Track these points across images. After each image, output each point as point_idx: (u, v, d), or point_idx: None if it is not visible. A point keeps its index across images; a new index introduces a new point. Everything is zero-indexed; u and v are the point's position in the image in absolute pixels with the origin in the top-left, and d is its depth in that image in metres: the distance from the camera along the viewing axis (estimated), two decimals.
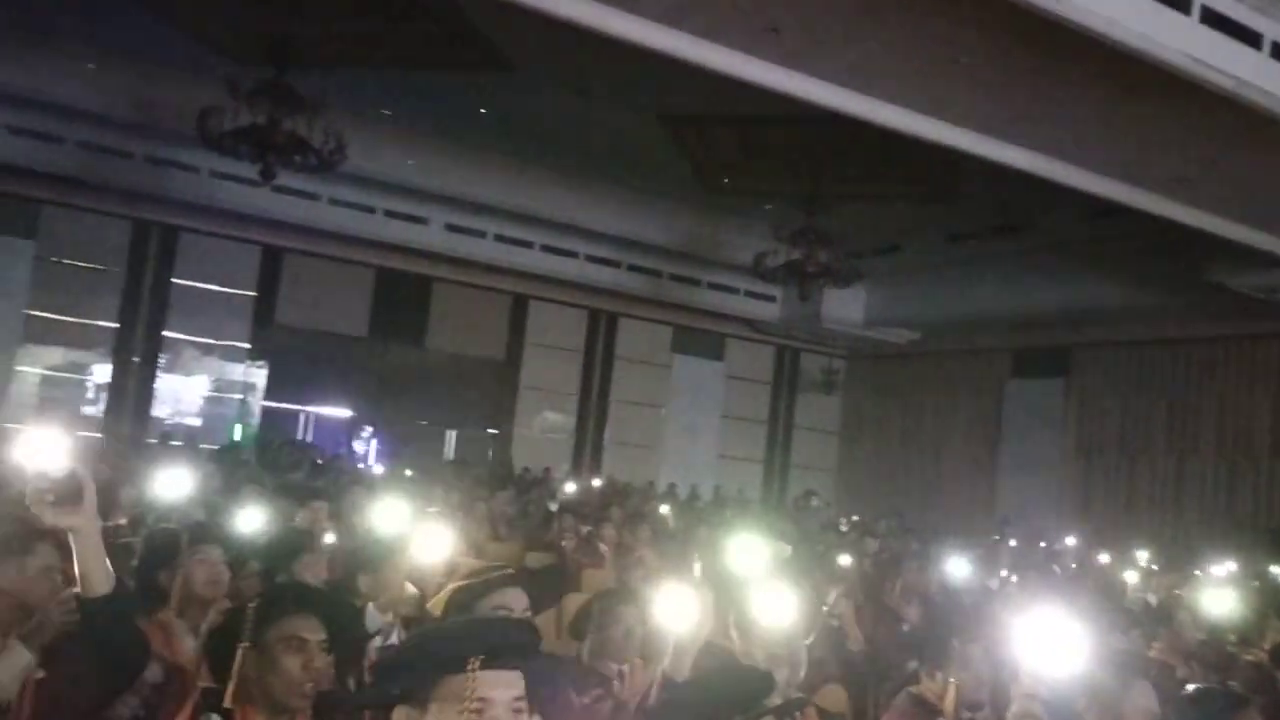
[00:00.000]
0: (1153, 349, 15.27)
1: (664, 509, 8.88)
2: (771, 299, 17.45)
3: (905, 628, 4.90)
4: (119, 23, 10.50)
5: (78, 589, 2.05)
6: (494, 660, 1.58)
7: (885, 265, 15.68)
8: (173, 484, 5.18)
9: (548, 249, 15.87)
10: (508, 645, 1.62)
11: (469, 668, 1.56)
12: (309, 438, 16.52)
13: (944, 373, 18.09)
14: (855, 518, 13.89)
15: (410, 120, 12.77)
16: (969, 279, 15.26)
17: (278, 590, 2.63)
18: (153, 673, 2.04)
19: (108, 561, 2.05)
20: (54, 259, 14.01)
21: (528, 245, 15.71)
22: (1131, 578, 6.88)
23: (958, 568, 4.68)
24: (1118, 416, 15.69)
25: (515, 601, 2.84)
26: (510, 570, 3.19)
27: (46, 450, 1.97)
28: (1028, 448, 16.54)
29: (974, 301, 15.44)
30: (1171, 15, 6.89)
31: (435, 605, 2.94)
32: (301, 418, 16.82)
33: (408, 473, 11.93)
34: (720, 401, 19.14)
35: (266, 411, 15.83)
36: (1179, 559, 10.66)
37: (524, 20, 8.06)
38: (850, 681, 4.28)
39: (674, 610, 2.83)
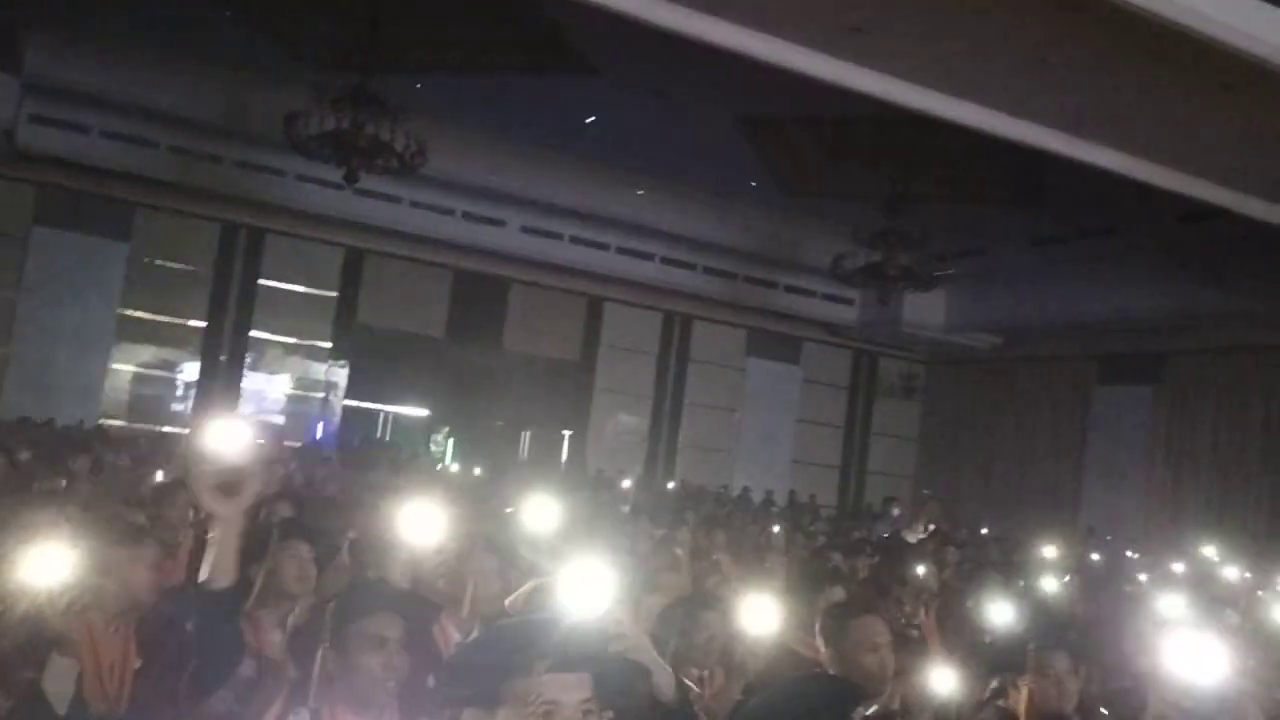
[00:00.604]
0: (1248, 356, 14.73)
1: (776, 529, 8.77)
2: (850, 302, 17.24)
3: (988, 639, 4.78)
4: (211, 31, 10.81)
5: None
6: (561, 663, 1.57)
7: (968, 268, 15.38)
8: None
9: (623, 251, 15.90)
10: (574, 648, 1.61)
11: (535, 671, 1.55)
12: (387, 437, 16.80)
13: (1028, 379, 17.68)
14: (933, 526, 13.63)
15: (488, 123, 12.90)
16: (1055, 283, 14.90)
17: (357, 589, 2.66)
18: (247, 667, 2.08)
19: (235, 557, 2.14)
20: (146, 260, 14.46)
21: (603, 247, 15.75)
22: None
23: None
24: (1210, 426, 15.18)
25: None
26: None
27: (230, 441, 2.04)
28: (1115, 457, 16.09)
29: (1060, 306, 15.06)
30: (1271, 11, 6.63)
31: (514, 603, 2.95)
32: (380, 417, 17.09)
33: (476, 470, 12.09)
34: (795, 406, 18.96)
35: (347, 410, 16.12)
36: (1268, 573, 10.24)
37: (603, 23, 8.08)
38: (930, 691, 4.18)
39: (756, 617, 2.80)
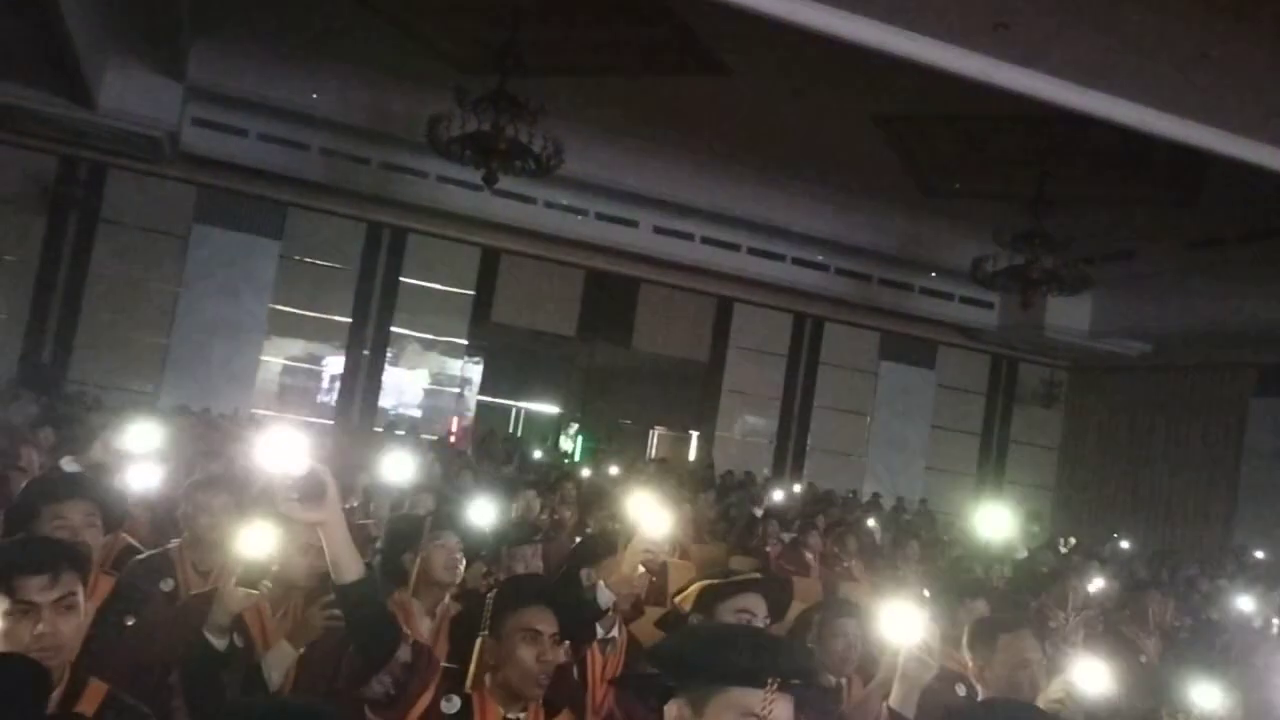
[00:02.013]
0: None
1: (870, 522, 8.64)
2: (989, 305, 16.74)
3: (1142, 659, 4.58)
4: (361, 38, 11.21)
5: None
6: (788, 684, 1.60)
7: (1116, 272, 14.71)
8: (400, 470, 5.52)
9: (754, 251, 15.80)
10: (802, 672, 1.65)
11: (769, 686, 1.57)
12: (519, 432, 17.14)
13: (1179, 389, 16.83)
14: (1073, 540, 13.13)
15: (621, 124, 13.00)
16: (1211, 288, 14.13)
17: (514, 582, 2.72)
18: (403, 652, 2.15)
19: (355, 549, 2.15)
20: (296, 257, 15.10)
21: (734, 248, 15.69)
22: None
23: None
24: None
25: (757, 606, 2.84)
26: (756, 575, 3.18)
27: (285, 450, 2.04)
28: (1273, 473, 15.17)
29: (1216, 313, 14.27)
30: None
31: (684, 600, 2.98)
32: (513, 412, 17.45)
33: (613, 470, 12.17)
34: (930, 411, 18.52)
35: (481, 405, 16.51)
36: None
37: (741, 23, 8.06)
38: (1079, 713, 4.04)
39: (898, 628, 2.73)
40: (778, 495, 11.67)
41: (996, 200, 12.84)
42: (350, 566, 2.10)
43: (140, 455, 4.11)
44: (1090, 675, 2.72)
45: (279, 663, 2.40)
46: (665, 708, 1.65)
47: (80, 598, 2.09)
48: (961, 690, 3.06)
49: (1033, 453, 19.00)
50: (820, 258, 16.08)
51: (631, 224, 15.10)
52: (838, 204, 14.76)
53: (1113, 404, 17.99)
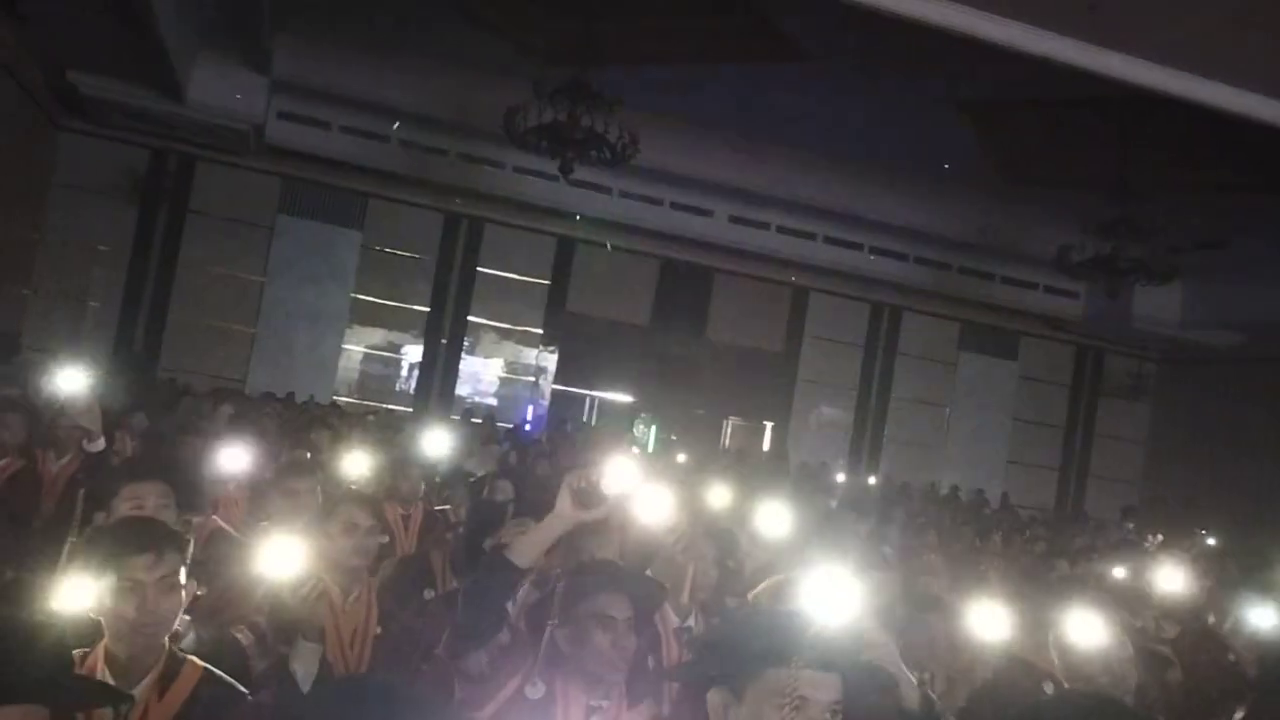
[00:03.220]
0: None
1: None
2: (1074, 295, 16.29)
3: (1231, 657, 4.44)
4: (439, 31, 11.33)
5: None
6: (817, 661, 1.56)
7: (1208, 261, 14.21)
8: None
9: (831, 241, 15.60)
10: (834, 649, 1.60)
11: (793, 665, 1.55)
12: (593, 421, 17.22)
13: (1273, 381, 16.21)
14: (1160, 537, 12.76)
15: (697, 113, 12.93)
16: None
17: (584, 569, 2.73)
18: (504, 635, 2.20)
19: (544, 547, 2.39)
20: (376, 248, 15.39)
21: (810, 237, 15.52)
22: None
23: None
24: None
25: None
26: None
27: (616, 473, 2.33)
28: None
29: None
30: None
31: (758, 596, 2.96)
32: (587, 401, 17.53)
33: (680, 458, 12.17)
34: (1011, 403, 18.15)
35: (555, 394, 16.65)
36: None
37: (819, 7, 7.96)
38: (1168, 712, 3.93)
39: (984, 623, 2.69)
40: (839, 478, 11.60)
41: (1082, 187, 12.49)
42: (532, 556, 2.34)
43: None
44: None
45: (305, 658, 2.46)
46: (708, 696, 1.63)
47: (181, 578, 2.16)
48: (1049, 688, 3.00)
49: (1119, 447, 18.50)
50: (899, 247, 15.82)
51: (707, 213, 15.02)
52: (917, 192, 14.49)
53: (1203, 397, 17.42)
